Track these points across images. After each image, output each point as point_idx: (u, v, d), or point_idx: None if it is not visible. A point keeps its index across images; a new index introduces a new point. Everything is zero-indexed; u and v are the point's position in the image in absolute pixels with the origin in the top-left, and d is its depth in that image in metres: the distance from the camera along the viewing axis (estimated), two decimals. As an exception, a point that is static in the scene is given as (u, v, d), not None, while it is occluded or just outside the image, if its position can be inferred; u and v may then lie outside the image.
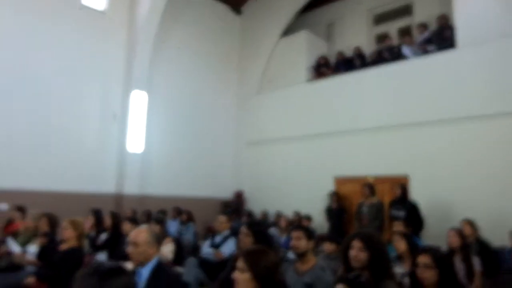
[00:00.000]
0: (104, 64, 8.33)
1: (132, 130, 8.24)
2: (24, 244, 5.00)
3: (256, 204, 9.62)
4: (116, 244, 5.21)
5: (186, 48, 9.89)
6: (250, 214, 8.73)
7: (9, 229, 5.78)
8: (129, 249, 3.01)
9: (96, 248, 5.36)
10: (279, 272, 2.25)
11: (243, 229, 3.70)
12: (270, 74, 10.63)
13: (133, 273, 2.83)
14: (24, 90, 7.08)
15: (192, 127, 9.70)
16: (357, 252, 2.66)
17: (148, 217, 6.16)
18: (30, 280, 3.90)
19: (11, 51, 7.01)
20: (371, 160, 7.99)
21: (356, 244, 2.69)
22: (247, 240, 3.61)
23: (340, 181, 8.57)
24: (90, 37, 8.13)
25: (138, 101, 8.41)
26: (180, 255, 5.16)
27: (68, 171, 7.36)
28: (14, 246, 4.87)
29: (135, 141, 8.23)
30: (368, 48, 9.70)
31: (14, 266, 4.69)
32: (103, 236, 5.53)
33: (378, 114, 7.96)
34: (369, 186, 7.19)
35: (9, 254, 4.85)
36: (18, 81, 7.03)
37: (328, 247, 4.63)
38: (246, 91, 10.91)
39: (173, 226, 7.42)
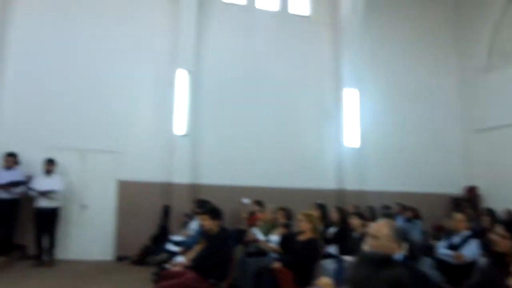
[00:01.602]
0: (315, 65, 8.77)
1: (347, 126, 8.36)
2: (266, 233, 5.70)
3: (495, 201, 8.18)
4: (344, 237, 5.31)
5: (391, 35, 9.36)
6: (491, 213, 7.47)
7: (251, 220, 6.72)
8: (369, 242, 2.94)
9: (326, 241, 5.60)
10: None
11: (499, 230, 3.13)
12: (500, 48, 8.92)
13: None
14: (252, 99, 8.18)
15: (409, 118, 9.11)
16: None
17: (373, 213, 6.06)
18: (277, 265, 4.38)
19: (243, 69, 8.24)
20: None
21: None
22: (504, 244, 3.04)
23: None
24: (299, 41, 8.73)
25: (350, 98, 8.47)
26: (412, 254, 4.82)
27: (295, 170, 8.10)
28: (259, 235, 5.60)
29: (351, 137, 8.32)
30: None
31: (260, 252, 5.39)
32: (332, 230, 5.74)
33: None
34: None
35: (255, 241, 5.62)
36: (249, 93, 8.18)
37: None
38: (469, 72, 9.51)
39: (398, 223, 7.09)
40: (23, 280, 5.84)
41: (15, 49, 7.42)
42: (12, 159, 6.73)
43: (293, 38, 8.71)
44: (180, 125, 7.64)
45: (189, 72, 7.81)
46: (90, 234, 7.36)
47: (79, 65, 7.59)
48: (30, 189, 6.71)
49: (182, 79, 7.76)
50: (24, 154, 6.95)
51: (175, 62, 7.83)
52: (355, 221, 5.09)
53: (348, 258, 4.47)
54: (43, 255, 6.76)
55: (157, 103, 7.80)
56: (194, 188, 7.60)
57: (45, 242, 6.79)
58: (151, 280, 5.66)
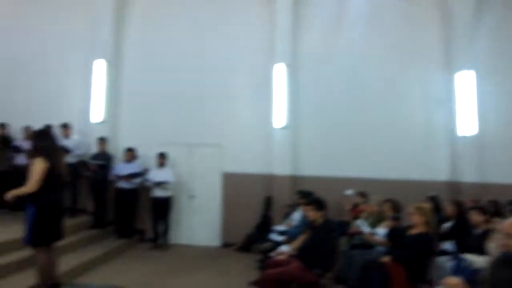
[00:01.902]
0: (420, 48, 8.02)
1: (461, 112, 7.53)
2: (371, 225, 5.43)
3: None
4: (463, 234, 4.80)
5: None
6: None
7: (355, 212, 6.46)
8: (501, 241, 2.59)
9: (440, 236, 5.13)
10: None
11: None
12: None
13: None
14: (352, 88, 7.85)
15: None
16: None
17: (497, 208, 5.36)
18: (386, 259, 4.13)
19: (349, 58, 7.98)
20: None
21: None
22: None
23: None
24: (400, 26, 8.02)
25: (465, 81, 7.60)
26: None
27: (401, 160, 7.55)
28: (364, 227, 5.36)
29: (466, 124, 7.46)
30: None
31: (365, 244, 5.16)
32: (446, 225, 5.24)
33: None
34: None
35: (359, 233, 5.39)
36: (349, 82, 7.88)
37: None
38: None
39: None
40: (143, 260, 6.53)
41: (131, 52, 8.34)
42: (131, 153, 7.50)
43: (392, 23, 8.08)
44: (279, 117, 7.69)
45: (287, 65, 7.81)
46: (199, 222, 7.88)
47: (183, 65, 8.16)
48: (146, 180, 7.42)
49: (280, 72, 7.79)
50: (140, 149, 7.73)
51: (273, 56, 7.89)
52: (476, 217, 4.56)
53: (470, 257, 4.03)
54: (158, 239, 7.45)
55: (256, 97, 7.98)
56: (295, 179, 7.61)
57: (160, 227, 7.47)
58: (255, 267, 5.84)
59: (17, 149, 7.45)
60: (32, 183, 3.78)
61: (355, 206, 6.55)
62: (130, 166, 7.39)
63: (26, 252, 4.69)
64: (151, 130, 8.08)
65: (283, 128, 7.69)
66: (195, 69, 8.15)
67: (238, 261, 6.65)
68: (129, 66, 8.33)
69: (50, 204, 3.90)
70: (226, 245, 7.68)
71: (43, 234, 3.82)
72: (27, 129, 7.55)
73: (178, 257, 6.88)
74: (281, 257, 4.40)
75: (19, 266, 4.81)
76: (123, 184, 7.31)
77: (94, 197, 7.39)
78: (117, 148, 7.91)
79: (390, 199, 5.30)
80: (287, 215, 6.83)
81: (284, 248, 4.71)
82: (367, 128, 7.73)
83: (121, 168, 7.38)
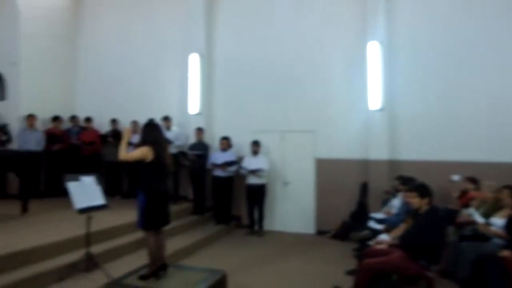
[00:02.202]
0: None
1: None
2: (485, 215, 4.87)
3: None
4: None
5: None
6: None
7: (463, 199, 5.85)
8: None
9: None
10: None
11: None
12: None
13: None
14: (456, 63, 7.03)
15: None
16: None
17: None
18: (506, 253, 3.66)
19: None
20: None
21: None
22: None
23: None
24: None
25: None
26: None
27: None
28: (476, 216, 4.83)
29: None
30: None
31: (478, 236, 4.64)
32: None
33: None
34: None
35: (471, 223, 4.87)
36: (451, 57, 7.06)
37: None
38: None
39: None
40: (240, 246, 6.78)
41: (222, 44, 8.62)
42: (226, 142, 7.77)
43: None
44: (374, 99, 7.24)
45: (381, 43, 7.29)
46: (292, 209, 7.89)
47: (273, 52, 8.15)
48: (241, 168, 7.64)
49: (373, 51, 7.31)
50: (235, 138, 7.97)
51: (365, 35, 7.42)
52: None
53: None
54: (254, 225, 7.65)
55: (350, 79, 7.60)
56: (393, 164, 7.15)
57: (255, 214, 7.66)
58: (353, 256, 5.66)
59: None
60: (128, 155, 4.15)
61: (464, 193, 5.93)
62: (225, 154, 7.66)
63: (138, 235, 5.19)
64: (244, 119, 8.29)
65: (379, 110, 7.24)
66: (286, 54, 8.06)
67: (333, 249, 6.52)
68: (220, 58, 8.61)
69: (158, 192, 4.20)
70: (320, 232, 7.58)
71: (153, 219, 4.14)
72: (134, 123, 8.29)
73: (273, 243, 6.99)
74: (381, 246, 4.18)
75: (132, 248, 5.35)
76: (219, 173, 7.62)
77: (193, 185, 7.86)
78: (213, 138, 8.28)
79: (510, 185, 4.67)
80: (385, 202, 6.48)
81: (384, 237, 4.46)
82: (473, 105, 6.80)
83: (217, 157, 7.69)
